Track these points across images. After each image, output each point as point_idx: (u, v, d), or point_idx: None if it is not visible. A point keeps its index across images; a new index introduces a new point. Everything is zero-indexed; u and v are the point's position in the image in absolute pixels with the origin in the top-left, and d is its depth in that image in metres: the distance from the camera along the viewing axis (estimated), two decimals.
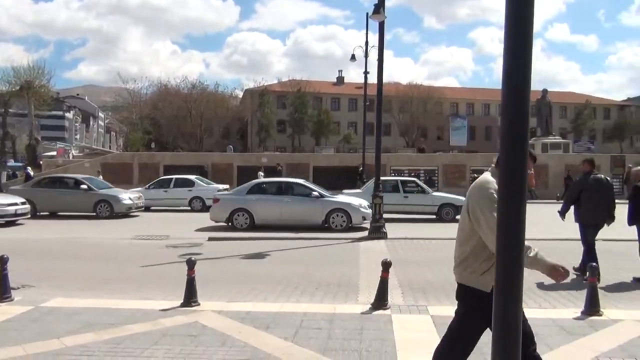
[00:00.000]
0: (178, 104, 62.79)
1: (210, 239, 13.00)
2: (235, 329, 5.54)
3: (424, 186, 19.56)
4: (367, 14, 25.46)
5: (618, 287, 7.80)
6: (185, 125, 62.65)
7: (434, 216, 18.27)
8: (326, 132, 65.61)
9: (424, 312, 6.25)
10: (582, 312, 6.07)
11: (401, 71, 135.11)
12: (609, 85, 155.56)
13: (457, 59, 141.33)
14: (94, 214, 18.90)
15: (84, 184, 19.63)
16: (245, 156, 33.43)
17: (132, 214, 19.67)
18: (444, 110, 74.07)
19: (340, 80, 79.25)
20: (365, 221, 15.13)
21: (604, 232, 8.68)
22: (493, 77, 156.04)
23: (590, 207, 8.31)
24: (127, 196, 19.52)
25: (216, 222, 15.72)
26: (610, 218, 8.32)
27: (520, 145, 2.08)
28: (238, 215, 15.25)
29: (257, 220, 15.29)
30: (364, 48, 25.18)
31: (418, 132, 69.54)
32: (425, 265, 9.63)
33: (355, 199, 16.04)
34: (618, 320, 5.83)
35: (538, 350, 4.91)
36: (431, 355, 4.94)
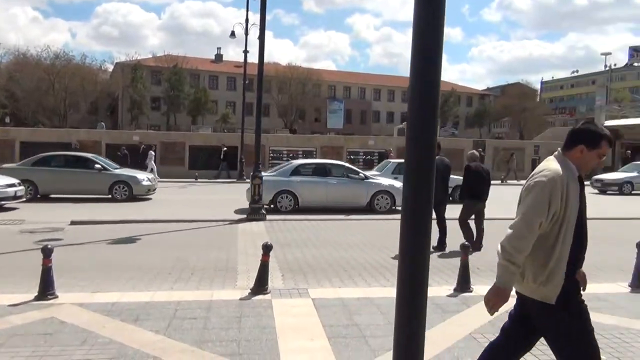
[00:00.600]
0: (39, 75, 57.06)
1: (72, 222, 11.88)
2: (99, 323, 4.97)
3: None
4: None
5: (484, 263, 8.23)
6: (47, 99, 57.24)
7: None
8: (203, 110, 63.76)
9: (305, 295, 6.10)
10: (455, 289, 6.29)
11: (281, 52, 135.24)
12: (471, 75, 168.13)
13: (335, 43, 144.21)
14: (109, 196, 17.12)
15: (97, 163, 17.65)
16: (115, 134, 31.19)
17: (146, 196, 17.82)
18: (321, 93, 75.24)
19: (218, 57, 77.25)
20: None
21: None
22: (368, 63, 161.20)
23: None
24: (145, 177, 17.93)
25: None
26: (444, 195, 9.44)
27: (428, 137, 1.93)
28: (282, 197, 14.81)
29: (302, 202, 14.85)
30: (244, 25, 24.53)
31: (296, 113, 70.00)
32: (305, 246, 9.54)
33: (397, 182, 15.87)
34: None
35: None
36: (312, 340, 4.81)
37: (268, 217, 12.89)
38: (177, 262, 8.03)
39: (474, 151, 10.13)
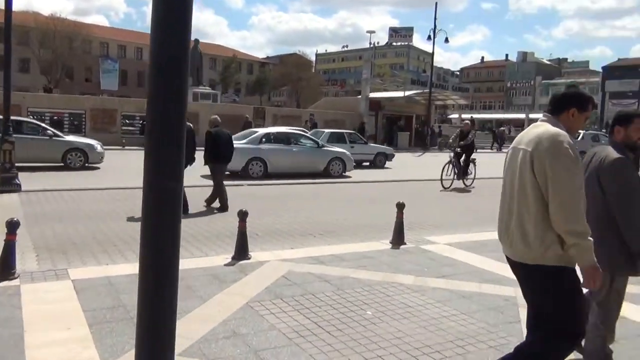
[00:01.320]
0: None
1: None
2: None
3: (365, 139, 23.33)
4: None
5: (263, 229, 8.26)
6: None
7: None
8: None
9: (64, 277, 5.32)
10: (233, 257, 6.13)
11: (43, 1, 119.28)
12: (252, 43, 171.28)
13: None
14: (62, 164, 15.97)
15: (48, 129, 16.58)
16: None
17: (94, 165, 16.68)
18: (93, 51, 68.71)
19: None
20: (353, 169, 17.45)
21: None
22: (145, 20, 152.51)
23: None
24: (98, 143, 17.16)
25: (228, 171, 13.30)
26: (190, 161, 9.13)
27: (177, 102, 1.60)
28: (253, 164, 15.51)
29: (270, 169, 15.70)
30: None
31: (62, 71, 62.80)
32: (68, 220, 8.46)
33: (345, 150, 17.86)
34: (265, 262, 6.08)
35: (191, 302, 4.66)
36: (69, 329, 4.13)
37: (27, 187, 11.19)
38: None
39: (216, 117, 10.55)
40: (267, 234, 7.99)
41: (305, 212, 9.98)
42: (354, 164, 17.83)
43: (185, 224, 7.98)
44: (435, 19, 33.55)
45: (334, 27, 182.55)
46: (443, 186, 14.39)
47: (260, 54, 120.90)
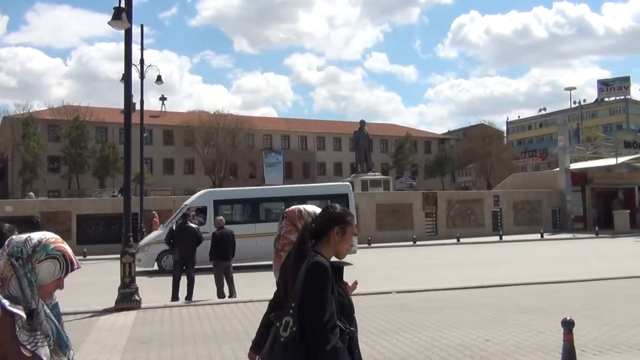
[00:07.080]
0: None
1: None
2: None
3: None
4: (142, 25, 24.47)
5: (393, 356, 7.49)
6: None
7: None
8: (113, 170, 62.04)
9: None
10: None
11: (212, 99, 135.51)
12: (431, 118, 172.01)
13: (274, 87, 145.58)
14: None
15: None
16: None
17: None
18: (255, 144, 74.95)
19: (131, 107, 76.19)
20: None
21: None
22: (313, 107, 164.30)
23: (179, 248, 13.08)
24: None
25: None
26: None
27: None
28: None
29: None
30: (139, 67, 23.90)
31: (226, 169, 69.18)
32: (176, 344, 8.58)
33: None
34: None
35: None
36: None
37: (148, 303, 11.84)
38: None
39: (221, 218, 13.78)
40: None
41: (431, 330, 8.90)
42: None
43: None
44: None
45: (526, 88, 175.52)
46: None
47: (442, 129, 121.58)
